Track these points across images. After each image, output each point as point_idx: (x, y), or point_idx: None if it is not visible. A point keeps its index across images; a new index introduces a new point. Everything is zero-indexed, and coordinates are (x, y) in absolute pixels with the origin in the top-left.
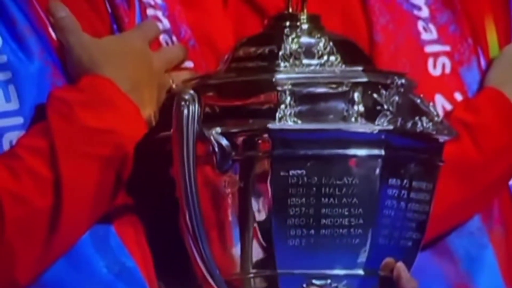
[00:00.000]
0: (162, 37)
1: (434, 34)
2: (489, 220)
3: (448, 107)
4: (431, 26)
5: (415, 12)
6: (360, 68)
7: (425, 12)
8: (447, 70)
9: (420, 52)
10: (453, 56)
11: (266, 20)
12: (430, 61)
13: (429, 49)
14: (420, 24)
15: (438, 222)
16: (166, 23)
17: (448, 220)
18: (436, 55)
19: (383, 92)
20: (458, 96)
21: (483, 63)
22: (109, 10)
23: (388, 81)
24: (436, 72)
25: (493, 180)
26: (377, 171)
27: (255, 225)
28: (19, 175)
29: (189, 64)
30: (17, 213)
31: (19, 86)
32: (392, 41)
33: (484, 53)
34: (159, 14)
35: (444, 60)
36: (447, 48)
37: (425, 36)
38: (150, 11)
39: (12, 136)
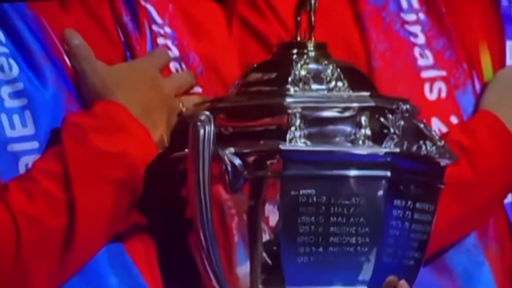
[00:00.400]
0: (172, 65)
1: (430, 60)
2: (485, 237)
3: (444, 130)
4: (428, 52)
5: (412, 39)
6: (367, 94)
7: (421, 39)
8: (443, 94)
9: (417, 77)
10: (449, 81)
11: (275, 47)
12: (427, 86)
13: (425, 74)
14: (417, 51)
15: (436, 239)
16: (175, 51)
17: (445, 237)
18: (432, 80)
19: (390, 116)
20: (454, 119)
21: (478, 86)
22: (122, 38)
23: (394, 106)
24: (432, 96)
25: (489, 200)
26: (383, 192)
27: (265, 242)
28: (34, 197)
29: (197, 89)
30: (32, 234)
31: (35, 112)
32: (390, 67)
33: (478, 77)
34: (169, 42)
35: (440, 84)
36: (443, 73)
37: (421, 62)
38: (160, 40)
39: (28, 160)
